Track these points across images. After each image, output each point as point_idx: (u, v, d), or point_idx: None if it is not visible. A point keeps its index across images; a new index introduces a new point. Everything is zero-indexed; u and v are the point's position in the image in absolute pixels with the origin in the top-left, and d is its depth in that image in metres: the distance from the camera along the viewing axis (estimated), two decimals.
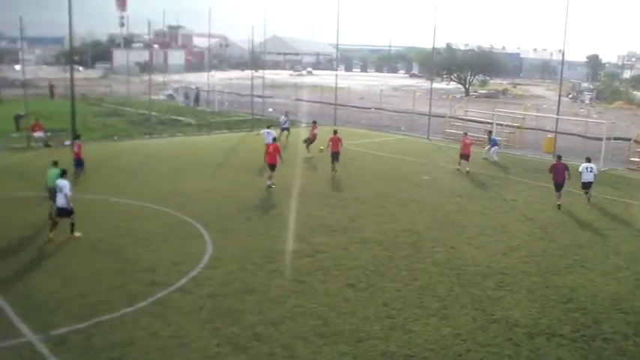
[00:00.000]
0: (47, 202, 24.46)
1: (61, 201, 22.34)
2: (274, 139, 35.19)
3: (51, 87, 77.36)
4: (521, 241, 23.88)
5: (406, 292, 18.42)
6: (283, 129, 48.18)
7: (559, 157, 31.44)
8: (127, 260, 20.40)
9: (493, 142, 42.52)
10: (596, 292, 19.00)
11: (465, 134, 40.80)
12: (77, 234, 22.53)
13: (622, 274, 20.74)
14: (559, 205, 29.63)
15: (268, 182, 31.42)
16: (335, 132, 37.80)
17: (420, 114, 61.06)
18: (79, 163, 32.12)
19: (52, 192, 23.59)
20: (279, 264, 20.44)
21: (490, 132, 45.13)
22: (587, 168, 30.66)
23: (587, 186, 30.61)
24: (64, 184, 22.50)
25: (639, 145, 43.99)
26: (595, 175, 30.77)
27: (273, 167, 31.58)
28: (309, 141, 41.61)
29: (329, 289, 18.50)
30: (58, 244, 21.77)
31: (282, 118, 49.90)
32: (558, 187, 30.04)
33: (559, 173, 29.93)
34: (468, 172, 37.41)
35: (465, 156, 37.94)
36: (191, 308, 16.79)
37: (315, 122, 44.15)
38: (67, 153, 33.58)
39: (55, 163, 24.77)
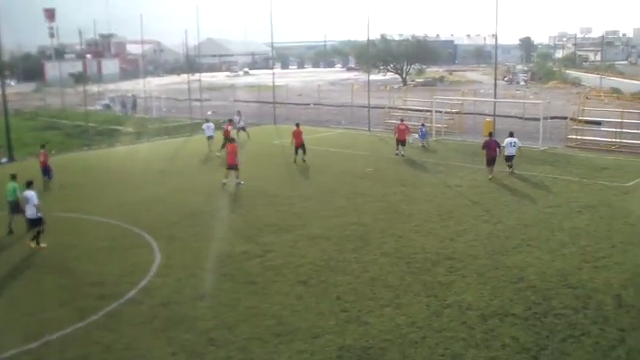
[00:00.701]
0: (8, 217, 24.57)
1: (30, 212, 22.44)
2: (233, 140, 35.02)
3: None
4: (467, 225, 24.14)
5: (358, 285, 18.45)
6: (239, 129, 48.00)
7: (490, 134, 34.22)
8: (75, 275, 20.02)
9: (420, 130, 44.37)
10: (544, 269, 19.32)
11: (401, 120, 41.78)
12: (43, 245, 22.54)
13: (567, 250, 21.12)
14: (490, 178, 32.08)
15: (237, 181, 32.01)
16: (297, 125, 39.73)
17: (359, 106, 61.29)
18: (46, 171, 32.88)
19: (13, 206, 24.08)
20: (229, 267, 20.28)
21: (423, 124, 46.04)
22: (510, 143, 33.25)
23: (509, 159, 33.16)
24: (30, 194, 22.59)
25: (575, 122, 44.86)
26: (518, 148, 33.41)
27: (235, 167, 32.02)
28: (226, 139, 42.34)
29: (281, 288, 18.44)
30: (1, 263, 21.29)
31: (236, 117, 49.46)
32: (490, 162, 32.38)
33: (491, 149, 32.32)
34: (402, 155, 39.30)
35: (400, 141, 39.78)
36: (143, 319, 16.57)
37: (230, 120, 44.55)
38: (5, 170, 32.95)
39: (14, 177, 24.98)
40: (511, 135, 33.93)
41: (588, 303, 16.78)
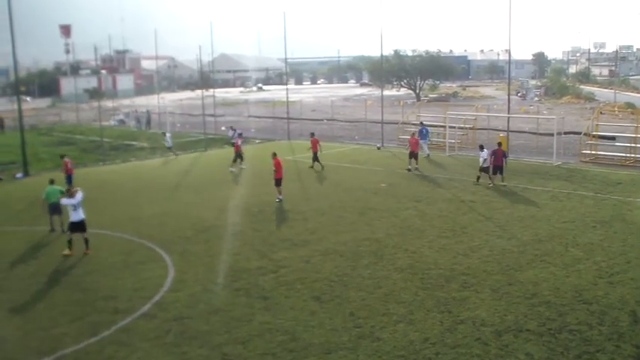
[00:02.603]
0: (49, 218, 26.62)
1: (80, 215, 23.62)
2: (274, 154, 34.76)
3: (0, 120, 75.38)
4: (481, 241, 24.05)
5: (371, 301, 18.41)
6: (232, 144, 47.96)
7: (499, 144, 35.59)
8: (88, 290, 20.06)
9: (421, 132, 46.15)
10: (558, 285, 19.22)
11: (413, 134, 42.37)
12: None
13: (582, 265, 21.01)
14: (503, 184, 34.08)
15: (279, 196, 31.97)
16: (312, 134, 43.16)
17: (372, 122, 61.34)
18: (70, 179, 34.51)
19: (55, 207, 25.90)
20: (243, 282, 20.28)
21: (422, 122, 49.56)
22: (483, 155, 34.95)
23: (486, 170, 34.65)
24: (81, 196, 23.97)
25: (589, 138, 44.72)
26: (485, 159, 34.88)
27: (279, 182, 32.17)
28: (236, 155, 43.16)
29: (294, 303, 18.42)
30: (14, 278, 21.39)
31: (230, 132, 49.60)
32: (496, 170, 34.13)
33: (498, 158, 33.95)
34: (416, 169, 39.69)
35: (413, 154, 40.22)
36: (157, 333, 16.58)
37: (240, 134, 44.95)
38: (21, 186, 33.32)
39: (52, 182, 26.98)
40: (481, 148, 35.76)
41: (603, 319, 16.67)
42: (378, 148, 50.59)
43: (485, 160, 34.63)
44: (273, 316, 17.45)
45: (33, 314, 18.26)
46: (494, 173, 34.27)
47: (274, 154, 33.00)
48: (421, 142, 44.23)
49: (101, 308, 18.43)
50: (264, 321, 17.15)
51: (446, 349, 15.23)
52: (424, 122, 49.54)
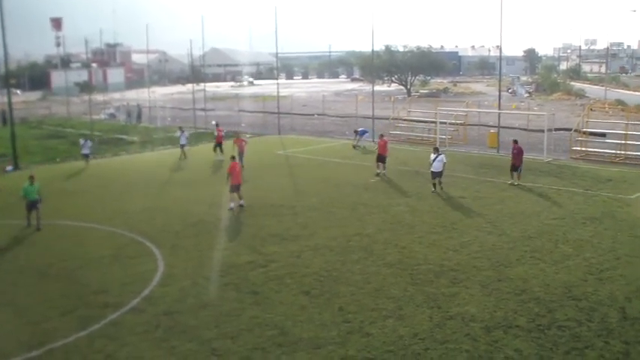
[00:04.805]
0: (26, 214, 26.68)
1: None
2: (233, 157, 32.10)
3: (3, 112, 73.98)
4: (471, 237, 24.09)
5: (361, 296, 18.42)
6: (181, 146, 46.09)
7: (515, 142, 34.35)
8: (78, 284, 20.02)
9: (362, 133, 48.45)
10: (548, 281, 19.27)
11: (381, 135, 39.09)
12: None
13: (571, 261, 21.08)
14: (516, 183, 33.16)
15: (241, 202, 29.66)
16: (238, 134, 44.76)
17: (363, 117, 61.26)
18: None
19: (31, 204, 26.45)
20: (232, 277, 20.26)
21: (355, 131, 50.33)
22: (438, 159, 32.02)
23: (437, 175, 32.05)
24: None
25: (580, 134, 44.84)
26: (444, 164, 32.06)
27: (237, 187, 29.58)
28: (218, 144, 44.25)
29: (284, 298, 18.41)
30: (3, 271, 21.33)
31: (178, 133, 47.56)
32: (515, 167, 33.22)
33: (518, 155, 33.22)
34: (380, 174, 36.62)
35: (380, 157, 37.06)
36: (146, 328, 16.55)
37: (217, 125, 46.63)
38: (10, 179, 33.28)
39: (31, 178, 27.08)
40: (436, 151, 32.52)
41: (592, 315, 16.74)
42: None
43: (443, 164, 31.89)
44: (263, 311, 17.44)
45: (22, 308, 18.18)
46: (514, 170, 33.35)
47: (233, 157, 31.11)
48: (360, 137, 47.69)
49: (91, 302, 18.39)
50: (254, 315, 17.14)
51: (435, 344, 15.26)
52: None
